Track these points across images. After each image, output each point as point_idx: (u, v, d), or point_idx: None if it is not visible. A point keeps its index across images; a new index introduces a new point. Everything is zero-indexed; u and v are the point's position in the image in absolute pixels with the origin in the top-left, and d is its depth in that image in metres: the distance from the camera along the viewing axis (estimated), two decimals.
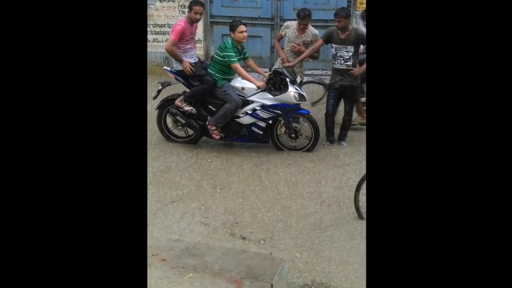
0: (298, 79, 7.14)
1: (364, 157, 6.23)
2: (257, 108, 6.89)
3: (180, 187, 5.95)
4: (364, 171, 5.40)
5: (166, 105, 7.25)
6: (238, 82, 7.03)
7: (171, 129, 7.43)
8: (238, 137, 7.19)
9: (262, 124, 6.99)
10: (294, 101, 6.82)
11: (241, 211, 5.37)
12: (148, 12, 10.46)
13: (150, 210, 5.19)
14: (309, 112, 7.18)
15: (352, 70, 7.04)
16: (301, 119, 7.12)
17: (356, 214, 5.15)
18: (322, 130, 7.29)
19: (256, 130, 7.03)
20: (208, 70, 6.98)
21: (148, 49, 10.29)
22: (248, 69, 7.48)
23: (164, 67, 7.66)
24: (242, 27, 6.75)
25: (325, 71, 10.23)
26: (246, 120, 6.99)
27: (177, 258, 3.51)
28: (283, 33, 7.62)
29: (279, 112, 6.89)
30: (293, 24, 7.52)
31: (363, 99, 7.79)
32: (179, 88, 7.55)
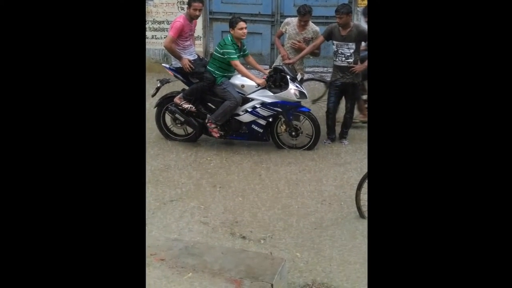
0: (299, 77, 7.14)
1: (366, 156, 6.23)
2: (257, 106, 6.89)
3: (179, 185, 5.95)
4: (365, 170, 5.40)
5: (165, 103, 7.24)
6: (237, 80, 7.02)
7: (170, 127, 7.43)
8: (238, 135, 7.19)
9: (262, 122, 6.99)
10: (295, 98, 6.82)
11: (241, 210, 5.37)
12: (146, 9, 10.45)
13: (149, 209, 5.18)
14: (309, 109, 7.18)
15: (353, 67, 7.04)
16: (301, 117, 7.12)
17: (358, 213, 5.15)
18: (323, 128, 7.29)
19: (256, 128, 7.03)
20: (208, 67, 6.97)
21: (147, 46, 10.28)
22: (248, 66, 7.47)
23: (163, 64, 7.65)
24: (242, 24, 6.75)
25: (326, 68, 10.22)
26: (246, 118, 6.98)
27: (176, 257, 3.51)
28: (284, 30, 7.62)
29: (279, 109, 6.89)
30: (294, 20, 7.52)
31: (365, 97, 7.80)
32: (178, 85, 7.54)
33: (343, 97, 7.38)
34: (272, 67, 7.62)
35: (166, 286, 3.20)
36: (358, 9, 9.83)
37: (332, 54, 7.48)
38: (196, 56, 7.30)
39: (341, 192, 5.85)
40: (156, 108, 7.30)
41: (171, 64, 7.27)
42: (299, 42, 7.43)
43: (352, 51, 7.02)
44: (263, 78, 6.89)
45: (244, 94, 6.94)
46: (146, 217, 4.79)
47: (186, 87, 7.17)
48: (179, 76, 7.15)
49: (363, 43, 7.17)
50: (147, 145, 6.81)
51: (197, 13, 7.02)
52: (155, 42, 10.66)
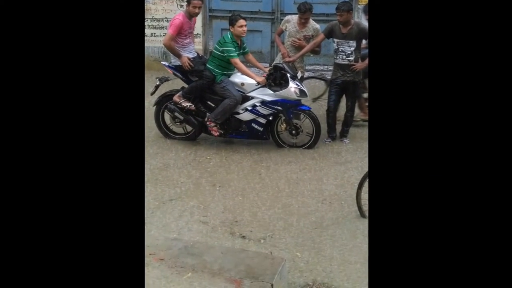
0: (299, 75, 7.13)
1: (366, 154, 6.24)
2: (257, 104, 6.88)
3: (179, 185, 5.95)
4: (366, 169, 5.40)
5: (164, 101, 7.24)
6: (237, 78, 7.02)
7: (169, 126, 7.43)
8: (238, 133, 7.19)
9: (262, 120, 6.99)
10: (295, 97, 6.82)
11: (240, 210, 5.37)
12: (145, 6, 10.44)
13: (148, 209, 5.18)
14: (310, 108, 7.18)
15: (354, 65, 7.03)
16: (302, 116, 7.11)
17: (358, 213, 5.15)
18: (324, 126, 7.29)
19: (256, 126, 7.03)
20: (207, 65, 6.96)
21: (146, 44, 10.27)
22: (248, 64, 7.46)
23: (162, 62, 7.65)
24: (241, 21, 6.74)
25: (326, 66, 10.22)
26: (245, 116, 6.98)
27: (175, 257, 3.51)
28: (284, 28, 7.61)
29: (279, 108, 6.89)
30: (294, 18, 7.51)
31: (365, 95, 7.79)
32: (178, 83, 7.54)
33: (344, 96, 7.37)
34: (272, 65, 7.62)
35: (165, 286, 3.20)
36: (359, 6, 9.83)
37: (332, 52, 7.47)
38: (196, 54, 7.29)
39: (341, 191, 5.85)
40: (155, 107, 7.29)
41: (170, 62, 7.27)
42: (299, 40, 7.42)
43: (352, 49, 7.01)
44: (263, 76, 6.89)
45: (244, 93, 6.94)
46: (145, 216, 4.78)
47: (186, 85, 7.16)
48: (178, 74, 7.15)
49: (364, 41, 7.16)
50: (146, 143, 6.81)
51: (197, 10, 7.01)
52: (154, 40, 10.66)
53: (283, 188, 5.93)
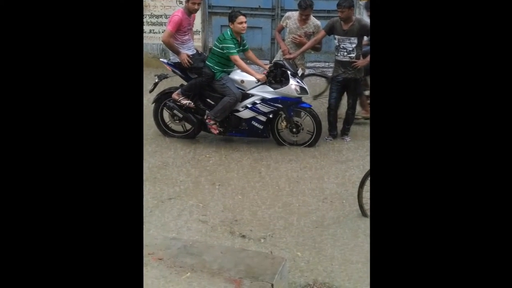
0: (300, 72, 7.14)
1: (368, 153, 6.24)
2: (257, 102, 6.89)
3: (178, 183, 5.96)
4: (367, 167, 5.40)
5: (163, 99, 7.25)
6: (237, 75, 7.02)
7: (168, 124, 7.44)
8: (238, 131, 7.20)
9: (262, 118, 6.99)
10: (296, 94, 6.82)
11: (240, 209, 5.37)
12: (144, 2, 10.45)
13: (146, 208, 5.19)
14: (311, 105, 7.18)
15: (355, 62, 7.03)
16: (302, 113, 7.12)
17: (360, 212, 5.15)
18: (325, 124, 7.30)
19: (256, 124, 7.03)
20: (207, 62, 6.97)
21: (144, 41, 10.28)
22: (248, 61, 7.47)
23: (160, 59, 7.66)
24: (241, 18, 6.74)
25: (327, 63, 10.23)
26: (245, 114, 6.99)
27: (174, 257, 3.51)
28: (284, 24, 7.60)
29: (280, 105, 6.89)
30: (295, 14, 7.50)
31: (367, 92, 7.80)
32: (177, 81, 7.55)
33: (345, 93, 7.37)
34: (272, 62, 7.62)
35: (164, 286, 3.20)
36: (360, 3, 9.84)
37: (333, 49, 7.47)
38: (195, 51, 7.29)
39: (343, 190, 5.85)
40: (154, 104, 7.30)
41: (169, 59, 7.27)
42: (300, 36, 7.41)
43: (354, 45, 7.01)
44: (263, 74, 6.89)
45: (244, 90, 6.94)
46: (144, 215, 4.79)
47: (185, 83, 7.17)
48: (177, 71, 7.15)
49: (365, 38, 7.17)
50: (144, 142, 6.82)
51: (196, 7, 7.01)
52: (153, 37, 10.66)
53: (283, 187, 5.94)
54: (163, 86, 7.44)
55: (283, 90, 6.78)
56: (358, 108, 7.68)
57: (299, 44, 7.42)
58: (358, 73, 7.12)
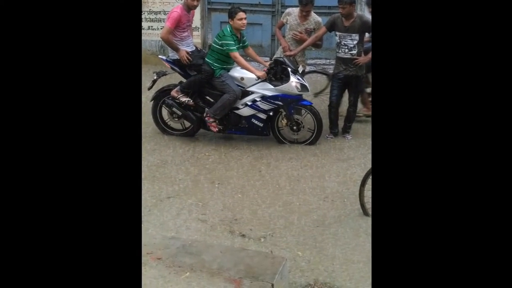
0: (300, 69, 7.13)
1: (370, 151, 6.24)
2: (257, 99, 6.88)
3: (177, 182, 5.95)
4: (369, 165, 5.40)
5: (162, 96, 7.24)
6: (237, 72, 7.02)
7: (167, 121, 7.43)
8: (237, 129, 7.20)
9: (263, 116, 6.99)
10: (296, 91, 6.82)
11: (240, 207, 5.37)
12: None
13: (145, 206, 5.19)
14: (311, 103, 7.18)
15: (357, 59, 7.03)
16: (303, 111, 7.12)
17: (361, 210, 5.15)
18: (326, 122, 7.29)
19: (256, 122, 7.03)
20: (206, 59, 6.96)
21: (143, 37, 10.28)
22: (248, 58, 7.46)
23: (159, 56, 7.66)
24: (241, 14, 6.74)
25: (328, 60, 10.22)
26: (245, 111, 6.98)
27: (173, 256, 3.51)
28: (285, 20, 7.60)
29: (280, 103, 6.89)
30: (295, 10, 7.50)
31: (368, 90, 7.79)
32: (175, 78, 7.54)
33: (346, 90, 7.37)
34: (272, 59, 7.60)
35: (163, 286, 3.20)
36: None
37: (334, 46, 7.47)
38: (194, 48, 7.28)
39: (344, 188, 5.85)
40: (152, 102, 7.29)
41: (168, 56, 7.27)
42: (300, 33, 7.41)
43: (355, 42, 7.01)
44: (264, 71, 6.88)
45: (243, 87, 6.94)
46: (142, 214, 4.79)
47: (184, 80, 7.17)
48: (176, 68, 7.15)
49: (367, 34, 7.16)
50: (143, 140, 6.81)
51: (195, 3, 7.00)
52: (152, 33, 10.66)
53: (283, 186, 5.94)
54: (161, 83, 7.43)
55: (284, 88, 6.78)
56: (359, 105, 7.68)
57: (299, 41, 7.42)
58: (359, 70, 7.12)
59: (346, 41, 7.03)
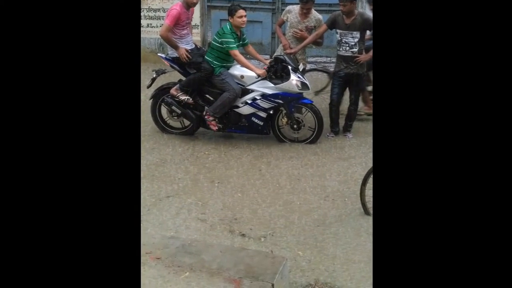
0: (301, 67, 7.13)
1: (371, 149, 6.24)
2: (257, 98, 6.88)
3: (176, 181, 5.95)
4: (370, 164, 5.40)
5: (161, 94, 7.23)
6: (237, 70, 7.01)
7: (166, 120, 7.43)
8: (237, 128, 7.19)
9: (263, 114, 6.98)
10: (297, 90, 6.82)
11: (240, 207, 5.37)
12: None
13: (144, 206, 5.19)
14: (312, 101, 7.18)
15: (358, 57, 7.03)
16: (303, 109, 7.11)
17: (362, 210, 5.15)
18: (326, 120, 7.30)
19: (256, 120, 7.03)
20: (205, 57, 6.96)
21: (142, 35, 10.28)
22: (248, 56, 7.47)
23: (158, 54, 7.66)
24: (241, 12, 6.73)
25: (329, 58, 10.23)
26: (245, 110, 6.98)
27: (172, 256, 3.51)
28: (285, 18, 7.59)
29: (280, 101, 6.89)
30: (296, 8, 7.49)
31: (370, 88, 7.79)
32: (175, 76, 7.54)
33: (347, 89, 7.37)
34: (273, 57, 7.62)
35: (162, 286, 3.20)
36: None
37: (335, 44, 7.46)
38: (194, 46, 7.28)
39: (345, 187, 5.85)
40: (151, 100, 7.29)
41: (167, 54, 7.26)
42: (301, 30, 7.41)
43: (356, 40, 7.01)
44: (264, 69, 6.88)
45: (243, 85, 6.94)
46: (141, 214, 4.79)
47: (183, 78, 7.17)
48: (175, 66, 7.14)
49: (368, 32, 7.16)
50: (142, 138, 6.82)
51: (195, 0, 7.00)
52: (151, 31, 10.65)
53: (284, 185, 5.93)
54: (161, 81, 7.43)
55: (284, 86, 6.78)
56: (360, 104, 7.68)
57: (300, 39, 7.41)
58: (360, 68, 7.12)
59: (347, 39, 7.02)
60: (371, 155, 6.05)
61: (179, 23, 6.94)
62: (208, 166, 6.42)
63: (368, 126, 7.61)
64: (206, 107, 7.01)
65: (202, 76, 6.90)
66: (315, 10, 7.54)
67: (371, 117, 7.67)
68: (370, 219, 4.93)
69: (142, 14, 10.56)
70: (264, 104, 6.89)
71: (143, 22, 10.58)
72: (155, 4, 10.64)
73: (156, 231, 4.73)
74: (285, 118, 7.04)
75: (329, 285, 4.07)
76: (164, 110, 7.35)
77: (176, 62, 7.08)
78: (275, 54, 7.86)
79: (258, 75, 6.81)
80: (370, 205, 5.00)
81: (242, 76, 6.95)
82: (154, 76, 7.24)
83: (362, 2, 9.71)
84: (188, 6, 7.03)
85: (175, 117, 7.31)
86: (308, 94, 7.28)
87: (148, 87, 7.26)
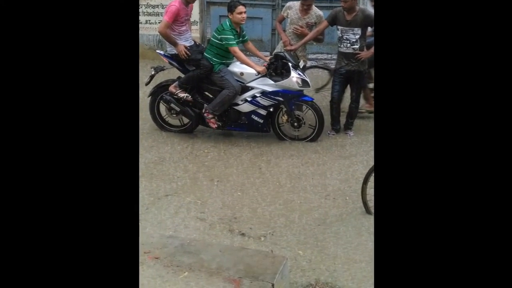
0: (301, 64, 7.13)
1: (372, 148, 6.24)
2: (257, 95, 6.88)
3: (175, 179, 5.96)
4: (371, 163, 5.40)
5: (160, 92, 7.24)
6: (236, 67, 7.01)
7: (164, 118, 7.43)
8: (237, 126, 7.20)
9: (263, 112, 6.99)
10: (297, 87, 6.82)
11: (240, 206, 5.37)
12: None
13: (143, 205, 5.19)
14: (313, 99, 7.19)
15: (359, 54, 7.03)
16: (304, 107, 7.12)
17: (363, 209, 5.15)
18: (327, 118, 7.30)
19: (256, 118, 7.03)
20: (205, 54, 6.96)
21: (140, 32, 10.28)
22: (248, 53, 7.47)
23: (157, 51, 7.65)
24: (241, 8, 6.73)
25: (330, 55, 10.24)
26: (245, 107, 6.98)
27: (171, 256, 3.51)
28: (285, 14, 7.59)
29: (280, 99, 6.89)
30: (296, 4, 7.49)
31: (371, 85, 7.79)
32: (174, 73, 7.54)
33: (348, 86, 7.37)
34: (273, 53, 7.61)
35: (161, 286, 3.20)
36: None
37: (336, 40, 7.47)
38: (193, 42, 7.27)
39: (346, 186, 5.85)
40: (150, 97, 7.29)
41: (166, 51, 7.26)
42: (301, 27, 7.40)
43: (357, 36, 7.00)
44: (264, 66, 6.88)
45: (243, 83, 6.94)
46: (140, 213, 4.80)
47: (182, 75, 7.16)
48: (174, 63, 7.14)
49: (369, 29, 7.16)
50: (140, 136, 6.82)
51: None
52: (149, 28, 10.65)
53: (284, 183, 5.94)
54: (159, 78, 7.44)
55: (284, 83, 6.78)
56: (361, 101, 7.68)
57: (300, 35, 7.40)
58: (361, 65, 7.12)
59: (348, 35, 7.02)
60: (372, 153, 6.05)
61: (178, 19, 6.93)
62: (207, 164, 6.42)
63: (370, 124, 7.61)
64: (205, 105, 7.01)
65: (201, 73, 6.90)
66: (315, 6, 7.54)
67: (372, 115, 7.68)
68: (371, 218, 4.93)
69: (140, 10, 10.55)
70: (264, 102, 6.89)
71: (142, 18, 10.57)
72: (154, 0, 10.64)
73: (155, 230, 4.73)
74: (285, 116, 7.04)
75: (330, 285, 4.08)
76: (162, 108, 7.35)
77: (175, 59, 7.08)
78: (275, 51, 7.85)
79: (258, 72, 6.81)
80: (371, 204, 5.00)
81: (241, 73, 6.95)
82: (153, 73, 7.25)
83: None
84: (187, 2, 7.02)
85: (174, 115, 7.31)
86: (308, 92, 7.29)
87: (147, 84, 7.27)
